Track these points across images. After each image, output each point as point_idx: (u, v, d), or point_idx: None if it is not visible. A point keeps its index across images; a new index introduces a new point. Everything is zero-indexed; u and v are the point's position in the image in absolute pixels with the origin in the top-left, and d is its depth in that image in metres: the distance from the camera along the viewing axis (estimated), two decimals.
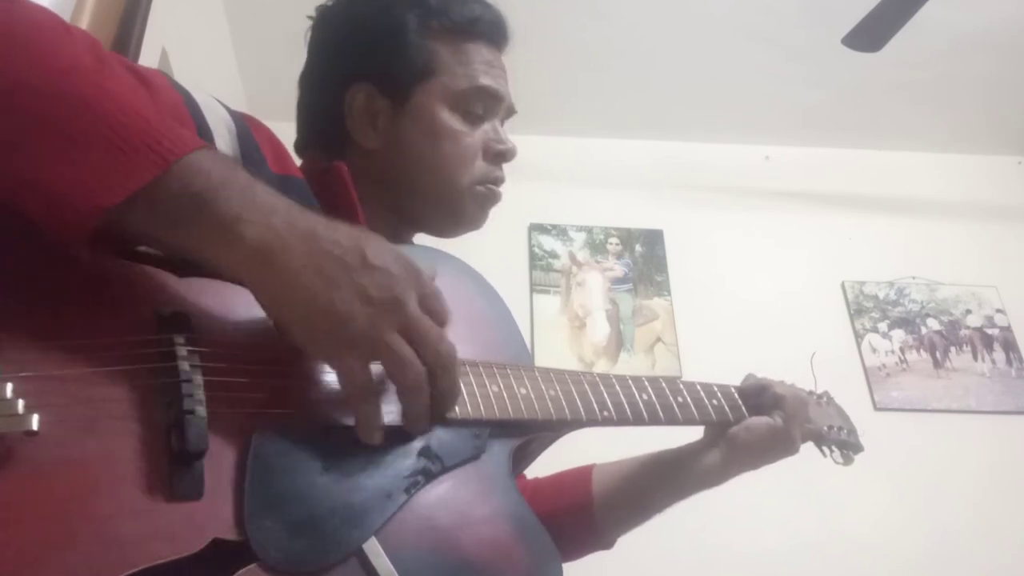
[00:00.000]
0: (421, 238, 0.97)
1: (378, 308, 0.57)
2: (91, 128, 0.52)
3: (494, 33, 0.94)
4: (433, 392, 0.60)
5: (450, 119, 0.90)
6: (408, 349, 0.58)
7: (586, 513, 1.00)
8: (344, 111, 0.90)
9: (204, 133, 0.69)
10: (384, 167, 0.90)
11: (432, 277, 0.62)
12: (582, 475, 1.03)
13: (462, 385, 0.68)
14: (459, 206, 0.92)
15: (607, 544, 1.01)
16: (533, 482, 1.04)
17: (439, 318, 0.61)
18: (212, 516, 0.52)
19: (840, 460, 1.05)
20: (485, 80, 0.91)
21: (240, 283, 0.58)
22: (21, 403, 0.48)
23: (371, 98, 0.90)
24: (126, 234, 0.56)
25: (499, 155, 0.93)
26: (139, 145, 0.53)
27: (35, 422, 0.48)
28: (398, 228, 0.93)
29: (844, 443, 1.05)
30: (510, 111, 0.97)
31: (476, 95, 0.91)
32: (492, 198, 0.93)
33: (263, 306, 0.58)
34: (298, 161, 0.92)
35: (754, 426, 0.94)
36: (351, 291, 0.56)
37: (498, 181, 0.93)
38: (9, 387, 0.48)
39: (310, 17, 0.96)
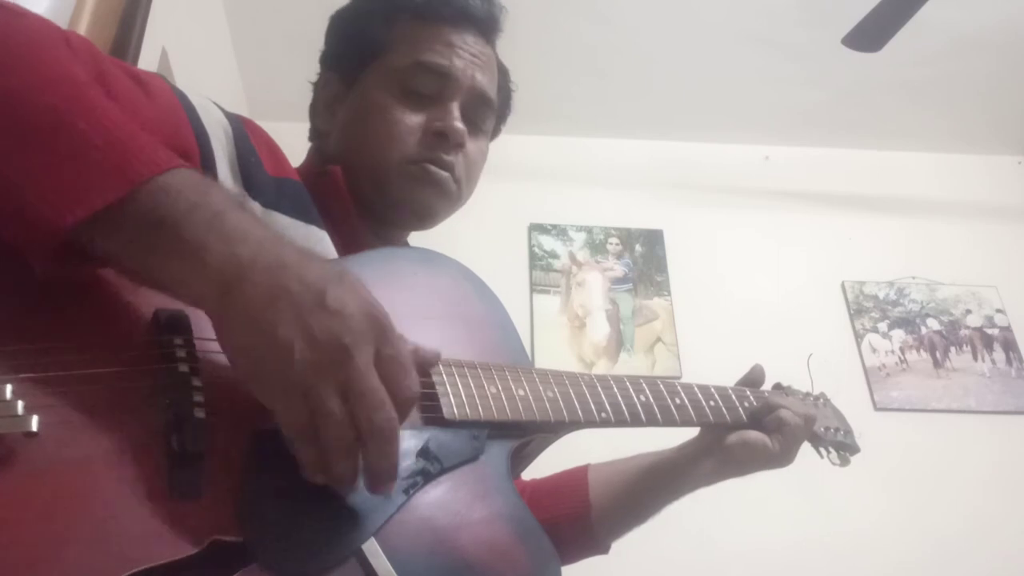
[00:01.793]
0: (419, 240, 0.97)
1: (319, 353, 0.52)
2: (65, 143, 0.52)
3: (462, 16, 0.91)
4: (364, 462, 0.54)
5: (384, 96, 0.87)
6: (335, 405, 0.52)
7: (584, 522, 1.00)
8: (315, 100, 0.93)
9: (201, 137, 0.69)
10: (333, 150, 0.91)
11: (404, 340, 0.57)
12: (578, 482, 1.03)
13: (460, 387, 0.69)
14: (388, 185, 0.87)
15: (604, 549, 1.02)
16: (531, 484, 1.04)
17: (394, 382, 0.54)
18: (211, 516, 0.52)
19: (837, 461, 1.04)
20: (427, 56, 0.88)
21: (203, 312, 0.55)
22: (21, 404, 0.48)
23: (330, 84, 0.93)
24: (93, 255, 0.54)
25: (437, 133, 0.87)
26: (108, 164, 0.52)
27: (35, 423, 0.48)
28: (375, 225, 0.92)
29: (841, 444, 1.05)
30: (481, 98, 0.92)
31: (416, 72, 0.88)
32: (427, 178, 0.87)
33: (219, 341, 0.55)
34: (298, 161, 0.92)
35: (751, 443, 0.93)
36: (295, 330, 0.51)
37: (436, 161, 0.87)
38: (9, 388, 0.48)
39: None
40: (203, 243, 0.52)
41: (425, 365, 0.62)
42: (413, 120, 0.87)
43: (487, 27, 0.94)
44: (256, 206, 0.72)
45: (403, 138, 0.87)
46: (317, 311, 0.52)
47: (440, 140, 0.88)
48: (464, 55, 0.90)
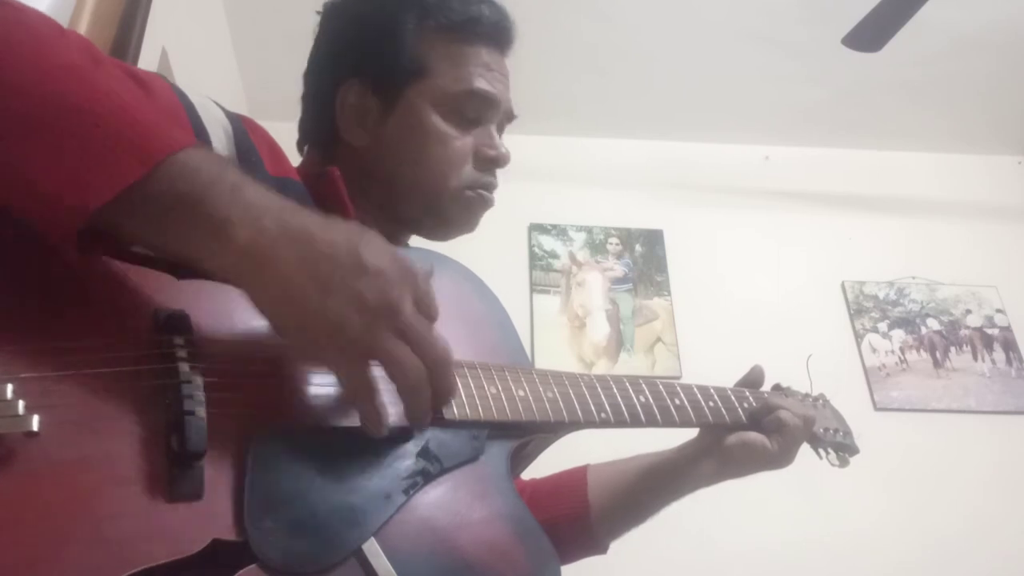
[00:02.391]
0: (416, 241, 0.97)
1: (374, 313, 0.56)
2: (79, 128, 0.52)
3: (495, 35, 0.92)
4: (433, 389, 0.60)
5: (439, 121, 0.88)
6: (405, 352, 0.57)
7: (583, 522, 1.00)
8: (336, 108, 0.90)
9: (201, 135, 0.69)
10: (371, 167, 0.89)
11: (428, 276, 0.62)
12: (578, 482, 1.03)
13: (460, 387, 0.69)
14: (445, 210, 0.90)
15: (602, 549, 1.02)
16: (530, 484, 1.04)
17: (432, 316, 0.60)
18: (212, 516, 0.52)
19: (836, 462, 1.05)
20: (479, 84, 0.89)
21: (232, 285, 0.57)
22: (21, 404, 0.48)
23: (362, 96, 0.89)
24: (118, 235, 0.55)
25: (490, 161, 0.90)
26: (126, 145, 0.52)
27: (35, 423, 0.48)
28: (390, 229, 0.92)
29: (840, 445, 1.05)
30: (509, 116, 0.95)
31: (469, 98, 0.89)
32: (481, 203, 0.91)
33: (259, 309, 0.57)
34: (297, 161, 0.92)
35: (750, 444, 0.93)
36: (346, 296, 0.55)
37: (489, 186, 0.91)
38: (9, 388, 0.48)
39: (318, 12, 0.96)
40: (227, 217, 0.54)
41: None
42: (466, 146, 0.90)
43: (509, 45, 0.95)
44: None
45: (460, 164, 0.89)
46: (360, 273, 0.56)
47: (491, 165, 0.91)
48: (499, 76, 0.92)
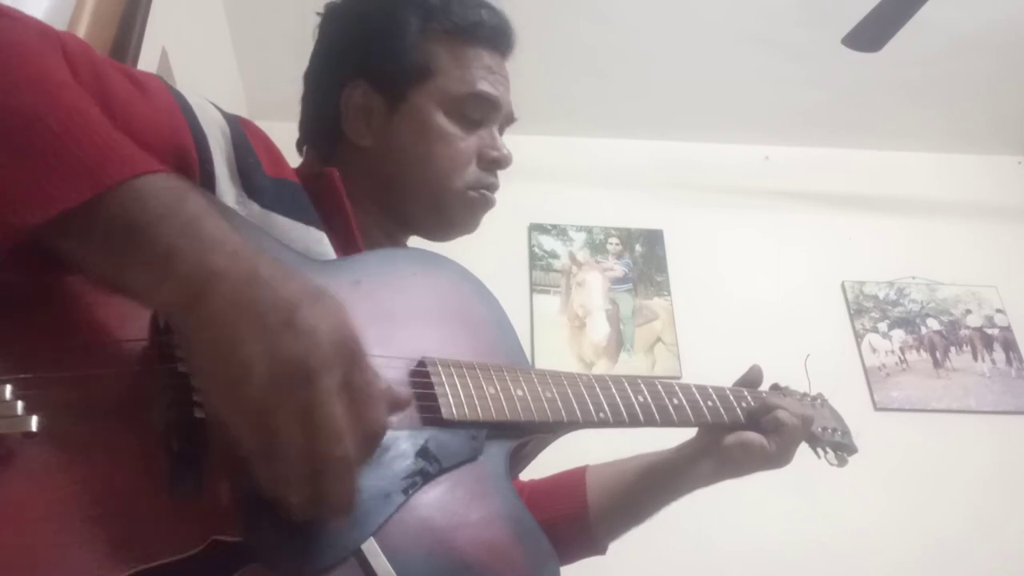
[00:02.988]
0: (416, 242, 0.97)
1: (280, 375, 0.48)
2: (37, 144, 0.50)
3: (497, 39, 0.94)
4: (314, 491, 0.51)
5: (444, 122, 0.90)
6: (292, 433, 0.49)
7: (583, 523, 1.00)
8: (340, 108, 0.91)
9: (198, 137, 0.69)
10: (376, 166, 0.90)
11: (370, 366, 0.53)
12: (576, 483, 1.03)
13: (460, 388, 0.69)
14: (448, 210, 0.91)
15: (601, 550, 1.02)
16: (529, 485, 1.04)
17: (359, 414, 0.51)
18: (211, 516, 0.52)
19: (834, 462, 1.05)
20: (483, 86, 0.91)
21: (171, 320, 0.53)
22: (20, 404, 0.48)
23: (367, 96, 0.90)
24: (64, 258, 0.53)
25: (493, 162, 0.92)
26: (79, 166, 0.50)
27: (34, 423, 0.48)
28: (391, 229, 0.93)
29: (838, 444, 1.05)
30: (509, 119, 0.96)
31: (473, 100, 0.91)
32: (484, 204, 0.93)
33: (184, 348, 0.53)
34: (296, 161, 0.92)
35: (748, 444, 0.94)
36: (259, 347, 0.49)
37: (491, 187, 0.93)
38: (8, 388, 0.48)
39: (319, 14, 0.97)
40: (172, 249, 0.50)
41: (395, 406, 0.58)
42: (470, 147, 0.91)
43: (510, 47, 0.96)
44: (255, 206, 0.72)
45: (464, 165, 0.90)
46: (284, 330, 0.49)
47: (494, 166, 0.92)
48: (501, 79, 0.94)
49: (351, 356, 0.52)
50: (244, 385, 0.49)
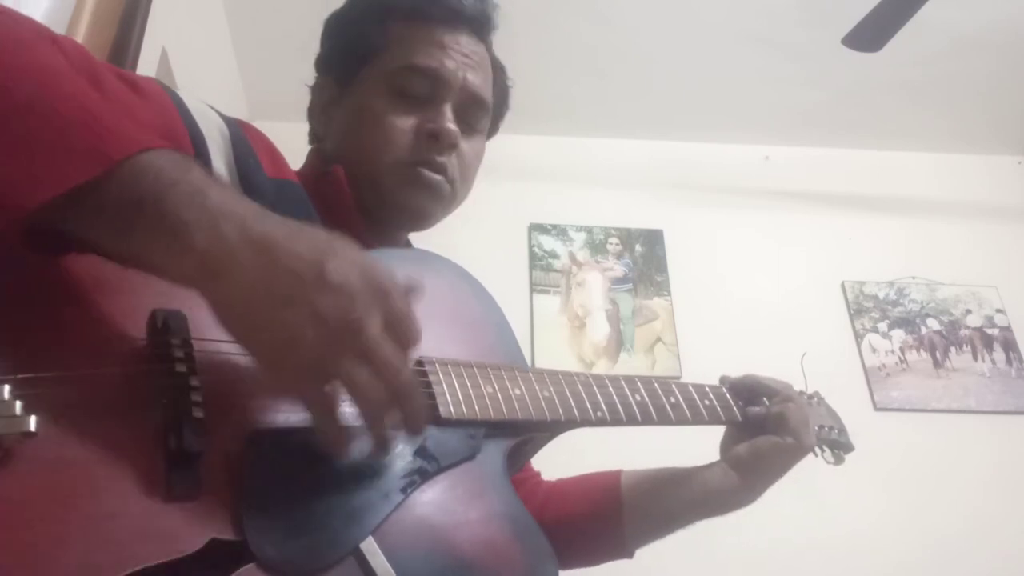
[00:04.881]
0: (418, 239, 0.97)
1: (332, 331, 0.52)
2: (38, 126, 0.51)
3: (451, 16, 0.90)
4: (403, 414, 0.57)
5: (377, 101, 0.87)
6: (364, 375, 0.53)
7: (615, 522, 0.97)
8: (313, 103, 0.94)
9: (197, 139, 0.69)
10: (330, 155, 0.91)
11: (407, 293, 0.58)
12: (611, 484, 1.00)
13: (457, 387, 0.69)
14: (383, 188, 0.87)
15: (629, 554, 0.99)
16: (560, 483, 1.03)
17: (404, 341, 0.57)
18: (210, 516, 0.53)
19: (831, 460, 1.05)
20: (419, 59, 0.88)
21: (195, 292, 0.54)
22: (19, 405, 0.48)
23: (326, 88, 0.93)
24: (78, 238, 0.53)
25: (431, 135, 0.86)
26: (85, 144, 0.50)
27: (33, 424, 0.48)
28: (383, 228, 0.92)
29: (835, 443, 1.05)
30: (470, 97, 0.90)
31: (409, 74, 0.88)
32: (420, 181, 0.86)
33: (217, 319, 0.54)
34: (297, 163, 0.92)
35: (764, 452, 0.92)
36: (303, 312, 0.51)
37: (430, 164, 0.87)
38: (7, 389, 0.48)
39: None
40: (186, 221, 0.51)
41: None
42: (405, 123, 0.87)
43: (480, 25, 0.93)
44: None
45: (396, 141, 0.86)
46: (321, 288, 0.52)
47: (432, 142, 0.87)
48: (456, 55, 0.89)
49: (384, 293, 0.55)
50: (300, 349, 0.52)
